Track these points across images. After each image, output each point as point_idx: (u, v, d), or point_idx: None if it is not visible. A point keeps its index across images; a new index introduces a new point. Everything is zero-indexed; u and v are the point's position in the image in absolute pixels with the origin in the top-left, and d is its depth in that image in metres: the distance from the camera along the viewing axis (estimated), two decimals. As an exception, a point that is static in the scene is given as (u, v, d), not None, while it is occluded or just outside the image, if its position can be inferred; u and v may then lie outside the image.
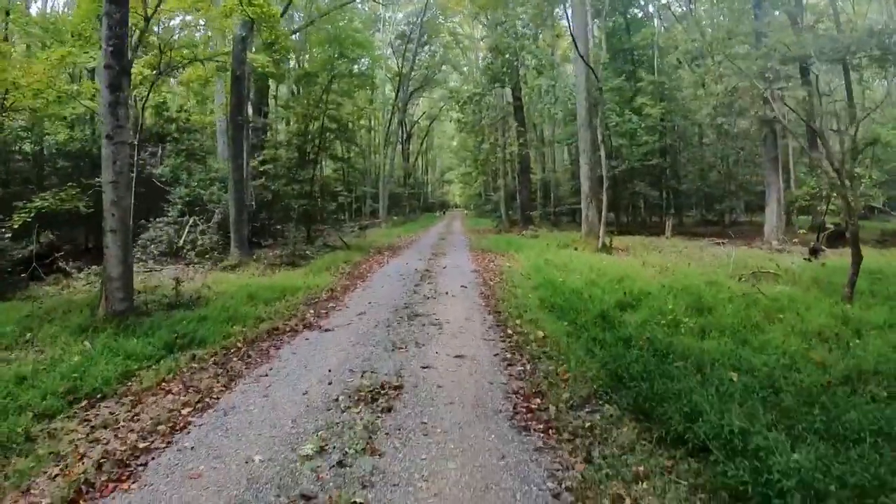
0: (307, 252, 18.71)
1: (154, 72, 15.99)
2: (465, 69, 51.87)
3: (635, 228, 28.13)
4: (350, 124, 28.14)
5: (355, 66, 43.25)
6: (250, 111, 30.03)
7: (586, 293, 10.32)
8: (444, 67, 57.70)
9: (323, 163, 24.44)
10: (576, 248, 18.23)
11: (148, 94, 17.21)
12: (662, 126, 27.13)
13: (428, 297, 10.69)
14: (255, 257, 17.14)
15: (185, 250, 17.79)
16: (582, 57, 17.62)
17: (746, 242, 21.67)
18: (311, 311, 9.74)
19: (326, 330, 8.32)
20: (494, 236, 27.19)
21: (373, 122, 54.11)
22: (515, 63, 28.41)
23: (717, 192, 26.38)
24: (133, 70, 16.42)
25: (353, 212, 46.64)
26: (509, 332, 8.03)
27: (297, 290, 11.74)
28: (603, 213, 17.58)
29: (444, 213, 78.76)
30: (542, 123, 40.88)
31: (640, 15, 34.22)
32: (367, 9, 50.62)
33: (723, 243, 21.82)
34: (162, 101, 25.16)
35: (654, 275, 12.74)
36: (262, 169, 22.66)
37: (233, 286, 12.10)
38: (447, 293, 11.14)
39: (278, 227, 23.74)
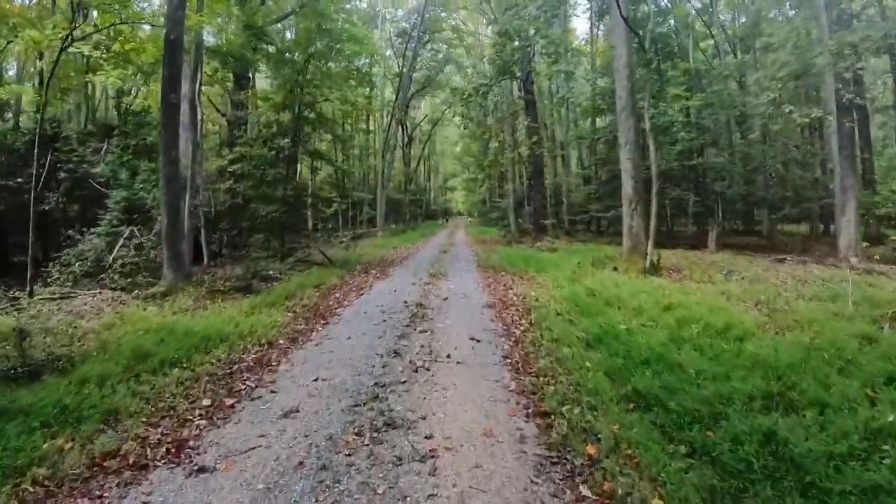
0: (270, 272, 14.24)
1: (64, 36, 11.70)
2: (469, 70, 47.53)
3: (668, 240, 23.64)
4: (333, 114, 23.71)
5: (351, 64, 39.30)
6: (228, 107, 25.61)
7: (684, 361, 5.95)
8: (446, 69, 53.43)
9: (300, 161, 19.93)
10: (615, 269, 13.77)
11: (54, 67, 12.86)
12: (699, 121, 22.65)
13: (417, 369, 6.20)
14: (196, 280, 12.72)
15: (111, 270, 13.49)
16: (625, 19, 13.17)
17: (817, 259, 17.20)
18: (207, 403, 5.25)
19: (197, 471, 3.86)
20: (504, 248, 22.71)
21: (371, 124, 49.74)
22: (528, 48, 23.98)
23: (769, 197, 21.80)
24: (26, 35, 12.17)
25: (350, 219, 42.27)
26: (584, 489, 3.55)
27: (224, 339, 7.66)
28: (652, 224, 13.11)
29: (446, 220, 74.54)
30: (554, 124, 36.50)
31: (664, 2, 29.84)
32: (365, 5, 46.46)
33: (787, 260, 17.40)
34: (121, 87, 20.95)
35: (760, 318, 8.29)
36: (230, 169, 18.23)
37: (139, 329, 7.98)
38: (448, 357, 6.65)
39: (252, 237, 19.37)
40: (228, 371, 6.35)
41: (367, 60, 43.55)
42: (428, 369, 6.16)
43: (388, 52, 47.83)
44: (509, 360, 6.56)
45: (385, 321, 8.66)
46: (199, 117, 18.93)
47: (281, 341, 7.80)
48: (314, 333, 8.15)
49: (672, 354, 6.25)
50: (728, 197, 22.09)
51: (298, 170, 24.01)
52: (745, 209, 25.44)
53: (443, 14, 45.21)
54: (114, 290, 12.54)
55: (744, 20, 29.60)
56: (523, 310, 9.50)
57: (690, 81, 22.45)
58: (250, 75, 24.64)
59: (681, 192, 21.60)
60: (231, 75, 23.62)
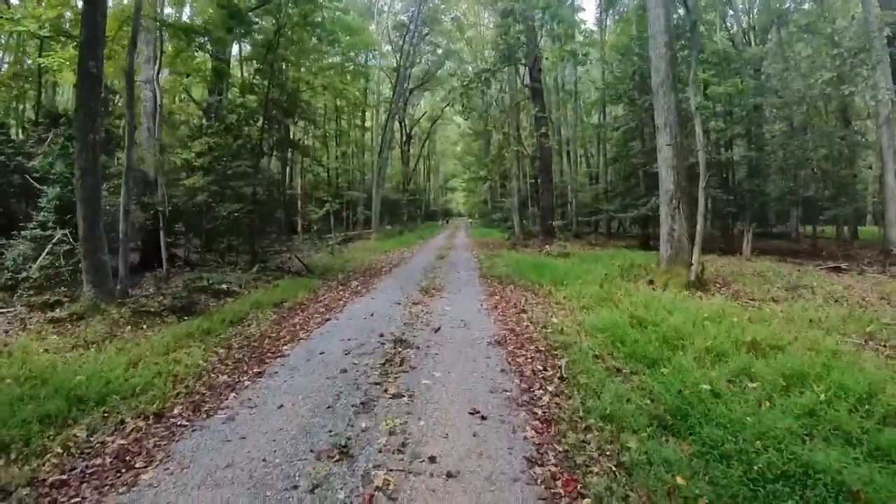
0: (224, 286, 11.37)
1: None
2: (469, 68, 44.37)
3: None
4: (323, 105, 20.88)
5: (346, 56, 36.49)
6: (210, 96, 22.87)
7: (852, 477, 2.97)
8: (447, 65, 50.52)
9: (274, 155, 17.04)
10: (651, 282, 10.89)
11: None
12: (729, 110, 19.73)
13: (372, 498, 3.29)
14: (124, 299, 9.89)
15: (26, 283, 10.81)
16: (665, -32, 10.27)
17: (879, 269, 14.41)
18: None
19: None
20: (509, 254, 19.80)
21: (368, 121, 46.84)
22: (534, 31, 21.15)
23: (813, 195, 18.81)
24: None
25: (344, 220, 39.38)
26: None
27: (102, 401, 4.96)
28: (699, 226, 10.23)
29: (446, 221, 71.71)
30: (560, 120, 33.60)
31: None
32: (362, -4, 43.56)
33: (843, 269, 14.60)
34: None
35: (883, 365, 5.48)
36: (197, 163, 15.36)
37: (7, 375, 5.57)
38: (433, 461, 3.76)
39: (225, 242, 16.54)
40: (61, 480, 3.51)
41: (364, 55, 40.92)
42: (393, 499, 3.28)
43: (387, 48, 44.95)
44: (538, 469, 3.66)
45: (345, 372, 5.75)
46: (158, 102, 16.18)
47: (177, 410, 4.93)
48: (232, 395, 5.26)
49: (823, 459, 3.42)
50: (763, 195, 19.12)
51: (269, 165, 21.11)
52: (780, 209, 22.44)
53: (442, 6, 42.26)
54: (30, 307, 9.87)
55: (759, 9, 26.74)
56: (546, 349, 6.58)
57: (717, 66, 19.59)
58: (228, 61, 21.78)
59: (711, 190, 18.66)
60: (209, 61, 20.85)
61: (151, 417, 4.76)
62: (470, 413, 4.56)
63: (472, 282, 12.71)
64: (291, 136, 35.03)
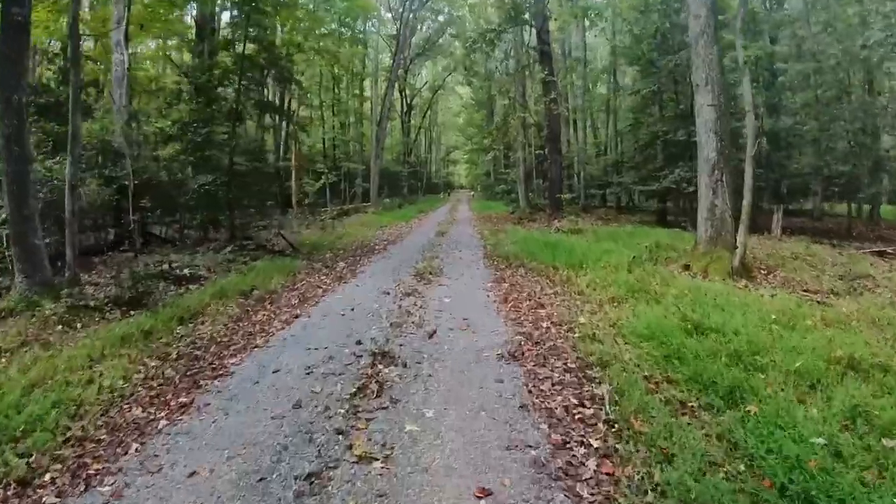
0: (188, 271, 9.68)
1: None
2: (472, 30, 41.83)
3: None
4: (305, 64, 18.98)
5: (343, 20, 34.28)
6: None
7: None
8: (448, 32, 48.07)
9: (251, 119, 15.15)
10: (685, 267, 9.16)
11: None
12: (757, 75, 17.69)
13: None
14: (72, 288, 8.19)
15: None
16: None
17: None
18: None
19: None
20: (515, 229, 18.03)
21: (368, 90, 44.54)
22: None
23: (852, 170, 16.82)
24: None
25: (341, 193, 37.49)
26: None
27: None
28: (747, 202, 8.47)
29: (448, 194, 69.75)
30: (567, 89, 31.42)
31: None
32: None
33: (888, 252, 12.92)
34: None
35: None
36: (172, 132, 13.54)
37: None
38: None
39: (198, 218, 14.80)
40: None
41: (362, 22, 38.56)
42: None
43: (387, 16, 42.56)
44: None
45: (299, 407, 4.05)
46: (124, 65, 14.35)
47: (50, 475, 3.28)
48: (134, 448, 3.58)
49: None
50: (796, 171, 17.16)
51: (259, 135, 19.30)
52: (803, 185, 20.49)
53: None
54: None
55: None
56: (577, 366, 4.84)
57: (747, 27, 17.52)
58: (214, 24, 19.78)
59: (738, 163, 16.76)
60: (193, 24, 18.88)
61: (12, 488, 3.13)
62: (477, 496, 2.87)
63: (475, 263, 10.97)
64: (284, 104, 33.11)
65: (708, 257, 8.97)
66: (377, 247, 14.36)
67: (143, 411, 4.21)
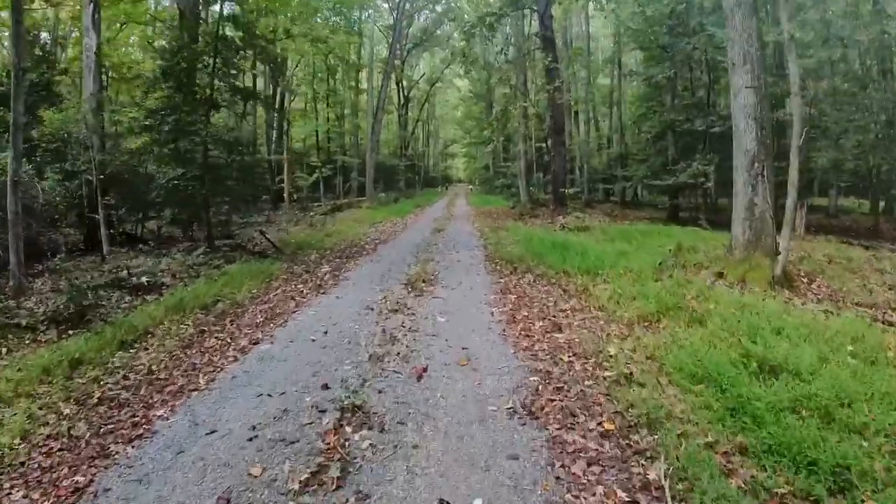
0: (145, 278, 8.35)
1: None
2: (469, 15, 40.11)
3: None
4: (272, 35, 17.57)
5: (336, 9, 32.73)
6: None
7: None
8: (446, 24, 46.57)
9: (230, 107, 13.75)
10: (718, 275, 7.87)
11: None
12: (780, 60, 16.32)
13: None
14: (18, 299, 6.95)
15: None
16: None
17: None
18: None
19: None
20: (517, 226, 16.71)
21: (363, 83, 43.01)
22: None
23: (874, 164, 15.45)
24: None
25: (337, 187, 36.11)
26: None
27: None
28: (791, 203, 7.17)
29: (446, 188, 68.30)
30: (569, 80, 30.02)
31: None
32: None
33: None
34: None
35: None
36: (146, 122, 12.14)
37: None
38: None
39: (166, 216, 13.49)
40: None
41: (358, 12, 36.97)
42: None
43: (384, 6, 41.00)
44: None
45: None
46: (92, 50, 13.02)
47: None
48: None
49: None
50: (813, 164, 15.79)
51: (250, 124, 17.92)
52: (823, 180, 19.10)
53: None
54: None
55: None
56: (618, 430, 3.54)
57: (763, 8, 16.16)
58: (199, 10, 18.32)
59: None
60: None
61: None
62: None
63: (475, 268, 9.64)
64: (276, 94, 31.68)
65: (745, 264, 7.66)
66: (367, 247, 13.04)
67: (24, 497, 2.93)
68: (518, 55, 21.21)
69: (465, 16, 19.61)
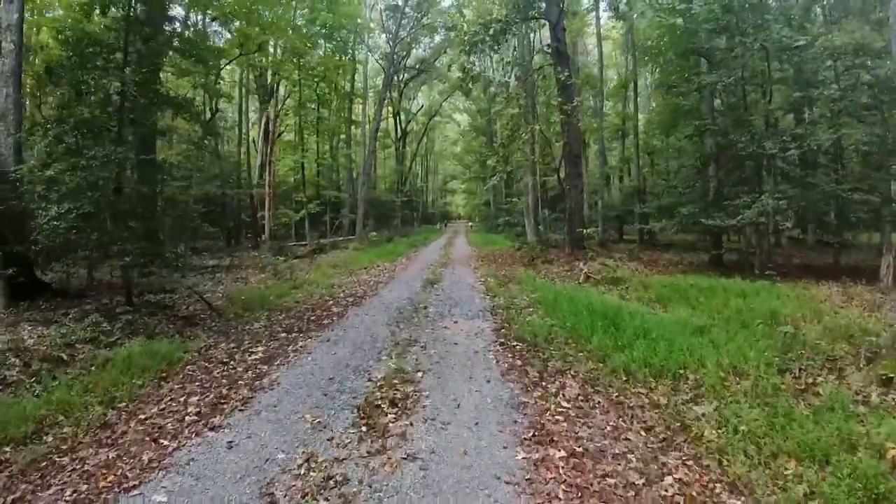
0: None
1: None
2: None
3: (786, 263, 14.25)
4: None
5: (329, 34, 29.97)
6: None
7: None
8: (444, 55, 44.00)
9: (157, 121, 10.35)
10: (886, 380, 4.41)
11: None
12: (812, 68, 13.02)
13: None
14: None
15: None
16: None
17: None
18: None
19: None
20: (529, 275, 13.24)
21: (358, 115, 40.08)
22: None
23: None
24: None
25: (327, 224, 32.78)
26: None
27: None
28: None
29: (445, 225, 65.16)
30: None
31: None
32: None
33: None
34: None
35: None
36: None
37: None
38: None
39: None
40: None
41: (352, 36, 34.25)
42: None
43: (382, 38, 38.38)
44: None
45: None
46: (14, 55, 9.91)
47: None
48: None
49: None
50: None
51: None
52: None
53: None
54: None
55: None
56: None
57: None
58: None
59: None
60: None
61: None
62: None
63: (482, 362, 6.08)
64: (263, 125, 28.58)
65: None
66: (335, 309, 9.53)
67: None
68: (526, 73, 18.05)
69: (465, 26, 16.44)
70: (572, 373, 5.52)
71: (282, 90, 31.15)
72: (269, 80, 28.82)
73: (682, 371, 5.24)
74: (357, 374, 5.55)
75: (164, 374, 5.84)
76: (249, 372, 5.86)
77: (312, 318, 8.82)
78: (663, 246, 23.06)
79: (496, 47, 15.55)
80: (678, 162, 25.71)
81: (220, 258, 19.10)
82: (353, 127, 38.01)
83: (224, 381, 5.56)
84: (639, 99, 24.30)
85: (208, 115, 30.92)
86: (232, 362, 6.32)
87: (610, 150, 29.97)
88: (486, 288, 11.59)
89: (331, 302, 10.33)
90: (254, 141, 34.22)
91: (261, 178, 28.80)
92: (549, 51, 16.39)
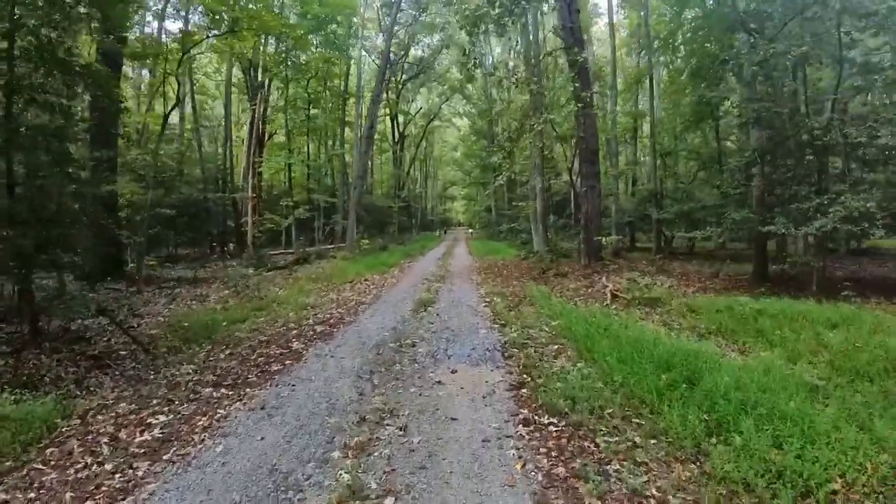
0: None
1: None
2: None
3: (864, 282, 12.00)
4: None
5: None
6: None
7: None
8: (444, 55, 41.81)
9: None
10: None
11: None
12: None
13: None
14: None
15: None
16: None
17: None
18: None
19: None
20: (542, 293, 10.89)
21: (352, 117, 37.76)
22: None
23: None
24: None
25: (317, 231, 30.37)
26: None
27: None
28: None
29: (444, 231, 62.78)
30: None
31: None
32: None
33: None
34: None
35: None
36: None
37: None
38: None
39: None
40: None
41: (345, 30, 31.99)
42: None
43: (380, 39, 36.12)
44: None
45: None
46: None
47: None
48: None
49: None
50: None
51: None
52: None
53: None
54: None
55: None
56: None
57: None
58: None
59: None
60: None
61: None
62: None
63: (495, 457, 3.68)
64: (255, 122, 26.37)
65: None
66: (294, 345, 7.16)
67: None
68: (535, 58, 15.70)
69: (465, 4, 14.10)
70: (654, 490, 3.16)
71: (273, 92, 29.03)
72: (258, 77, 26.61)
73: (823, 482, 2.94)
74: (281, 497, 3.18)
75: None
76: (117, 476, 3.53)
77: (261, 359, 6.46)
78: (682, 255, 20.70)
79: (503, 23, 13.17)
80: (696, 163, 23.46)
81: (195, 269, 16.75)
82: (347, 128, 35.69)
83: (72, 492, 3.24)
84: (653, 96, 21.95)
85: (190, 109, 28.91)
86: (115, 443, 4.03)
87: (619, 152, 27.64)
88: (493, 312, 9.20)
89: (294, 331, 7.96)
90: (243, 141, 32.02)
91: (245, 181, 26.50)
92: (562, 32, 14.04)
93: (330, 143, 35.11)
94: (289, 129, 27.57)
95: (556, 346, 6.58)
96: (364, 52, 36.94)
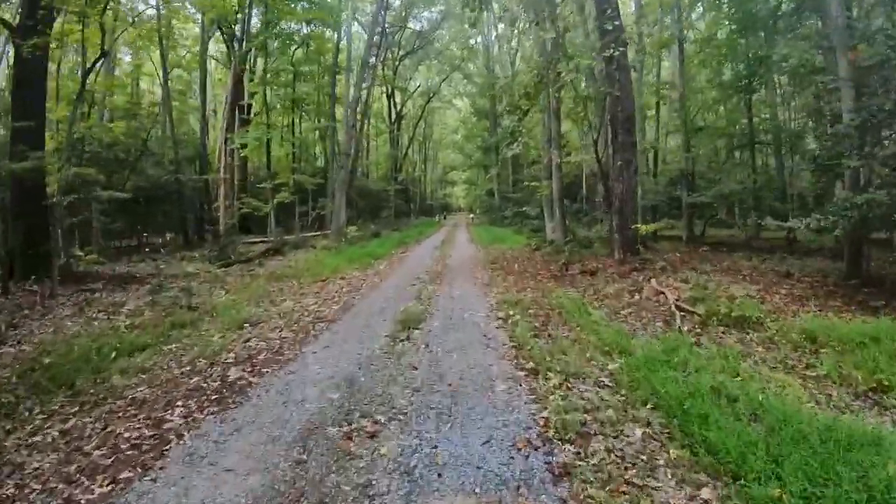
0: None
1: None
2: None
3: None
4: None
5: None
6: None
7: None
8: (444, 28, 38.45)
9: None
10: None
11: None
12: None
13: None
14: None
15: None
16: None
17: None
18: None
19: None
20: (572, 302, 7.79)
21: (340, 89, 34.17)
22: None
23: None
24: None
25: (302, 215, 27.15)
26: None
27: None
28: None
29: (444, 217, 59.49)
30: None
31: None
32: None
33: None
34: None
35: None
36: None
37: None
38: None
39: None
40: None
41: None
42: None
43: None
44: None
45: None
46: None
47: None
48: None
49: None
50: None
51: None
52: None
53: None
54: None
55: None
56: None
57: None
58: None
59: None
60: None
61: None
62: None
63: None
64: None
65: None
66: (172, 417, 4.05)
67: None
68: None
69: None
70: None
71: (259, 63, 25.77)
72: (235, 46, 23.38)
73: None
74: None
75: None
76: None
77: (109, 446, 3.38)
78: (714, 243, 17.45)
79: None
80: (725, 140, 20.24)
81: (135, 263, 13.65)
82: (340, 107, 32.24)
83: None
84: (682, 62, 18.64)
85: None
86: None
87: (640, 129, 24.26)
88: (512, 339, 6.04)
89: (194, 380, 4.85)
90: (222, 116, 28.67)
91: (220, 161, 23.28)
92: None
93: (322, 120, 31.72)
94: (267, 102, 24.27)
95: (639, 431, 3.49)
96: (358, 26, 33.55)
